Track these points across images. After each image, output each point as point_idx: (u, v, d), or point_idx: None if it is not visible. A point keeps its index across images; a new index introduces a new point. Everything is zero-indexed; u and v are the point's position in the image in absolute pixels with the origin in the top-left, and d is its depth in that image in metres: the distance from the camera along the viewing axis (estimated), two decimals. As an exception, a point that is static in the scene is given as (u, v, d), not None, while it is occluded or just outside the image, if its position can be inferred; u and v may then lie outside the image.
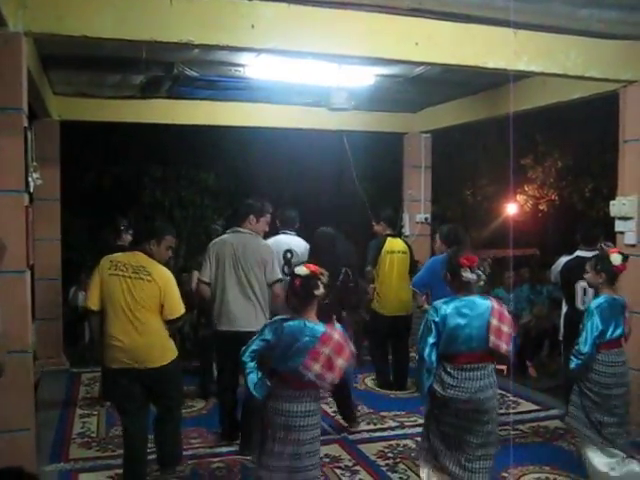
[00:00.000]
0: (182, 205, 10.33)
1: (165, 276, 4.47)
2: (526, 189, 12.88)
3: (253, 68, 6.44)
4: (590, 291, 5.81)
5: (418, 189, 9.24)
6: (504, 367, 8.58)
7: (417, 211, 9.20)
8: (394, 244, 7.11)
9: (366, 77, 6.79)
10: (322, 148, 9.69)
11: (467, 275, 3.86)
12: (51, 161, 7.66)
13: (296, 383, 3.60)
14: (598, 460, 4.54)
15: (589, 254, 5.91)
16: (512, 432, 5.73)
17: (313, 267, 3.68)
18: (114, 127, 8.29)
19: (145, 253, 4.48)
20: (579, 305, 5.88)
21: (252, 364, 3.67)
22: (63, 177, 7.97)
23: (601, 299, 4.68)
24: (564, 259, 6.10)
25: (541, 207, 13.02)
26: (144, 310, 4.37)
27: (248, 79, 6.88)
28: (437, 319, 3.84)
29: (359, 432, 5.87)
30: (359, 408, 6.41)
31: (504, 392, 6.89)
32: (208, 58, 6.18)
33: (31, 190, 4.40)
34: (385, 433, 5.87)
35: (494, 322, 3.83)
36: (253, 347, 3.69)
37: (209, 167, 10.61)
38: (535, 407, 6.54)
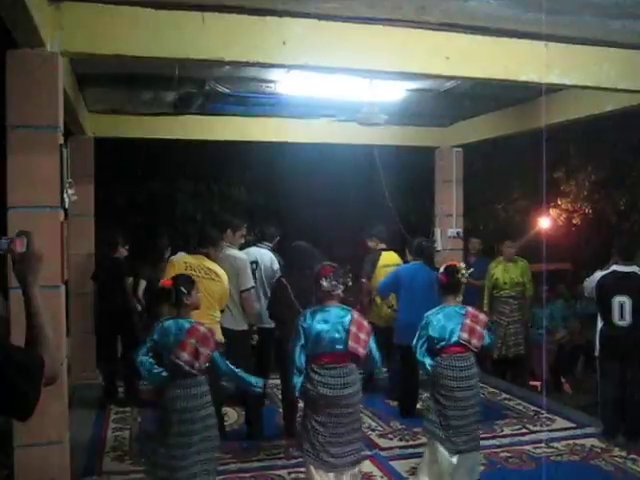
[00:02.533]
0: (213, 219, 10.40)
1: (225, 275, 5.49)
2: (559, 203, 12.74)
3: (284, 84, 6.49)
4: (628, 306, 5.74)
5: (450, 203, 9.19)
6: (537, 384, 8.53)
7: (449, 225, 9.15)
8: (388, 258, 7.29)
9: (397, 91, 6.81)
10: (353, 163, 9.71)
11: (324, 284, 4.31)
12: (85, 177, 7.77)
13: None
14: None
15: (626, 269, 5.86)
16: (546, 450, 5.66)
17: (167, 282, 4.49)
18: (147, 144, 8.40)
19: (207, 256, 5.48)
20: (616, 320, 5.79)
21: (145, 358, 4.29)
22: (97, 193, 8.10)
23: (437, 309, 4.80)
24: (599, 274, 6.02)
25: (574, 221, 12.86)
26: (215, 304, 5.36)
27: (279, 95, 6.93)
28: (305, 325, 4.32)
29: (391, 448, 5.83)
30: (391, 424, 6.38)
31: (538, 408, 6.81)
32: (239, 74, 6.26)
33: (66, 206, 4.47)
34: (417, 450, 5.81)
35: (353, 330, 4.30)
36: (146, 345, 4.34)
37: (240, 182, 10.70)
38: (570, 424, 6.41)
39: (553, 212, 12.79)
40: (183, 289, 4.37)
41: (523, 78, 5.17)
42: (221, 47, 4.53)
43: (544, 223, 12.24)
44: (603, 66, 5.34)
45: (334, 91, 6.62)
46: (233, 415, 6.68)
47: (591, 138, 10.89)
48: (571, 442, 5.90)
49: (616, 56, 5.35)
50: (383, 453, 5.70)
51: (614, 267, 5.92)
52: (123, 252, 7.18)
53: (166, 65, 5.61)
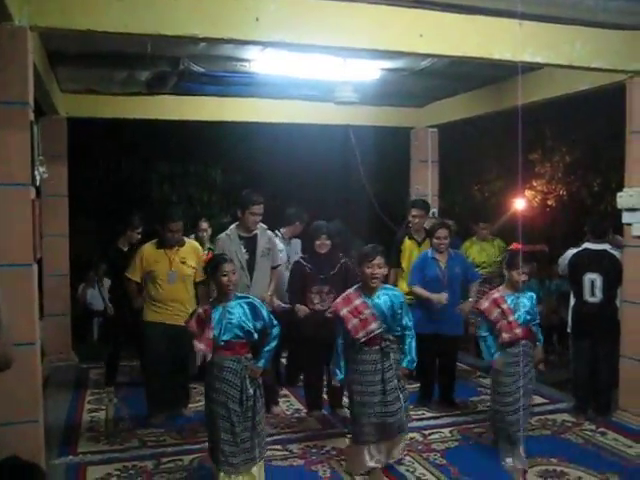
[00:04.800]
0: (190, 202, 10.36)
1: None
2: (534, 184, 12.81)
3: (259, 63, 6.45)
4: (599, 283, 5.81)
5: (425, 184, 9.23)
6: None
7: (424, 206, 9.15)
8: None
9: (372, 71, 6.78)
10: (329, 143, 9.68)
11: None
12: (59, 158, 7.72)
13: None
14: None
15: (597, 246, 5.93)
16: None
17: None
18: (122, 124, 8.32)
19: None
20: (587, 297, 5.87)
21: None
22: (71, 174, 8.02)
23: None
24: (571, 251, 6.09)
25: (549, 202, 12.94)
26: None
27: (254, 74, 6.88)
28: None
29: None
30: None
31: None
32: (214, 53, 6.21)
33: (37, 183, 4.41)
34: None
35: None
36: None
37: (216, 163, 10.64)
38: (543, 400, 6.50)
39: (528, 193, 12.86)
40: (208, 269, 4.63)
41: (496, 56, 5.16)
42: (194, 23, 4.47)
43: (519, 204, 12.33)
44: (575, 45, 5.36)
45: (309, 70, 6.57)
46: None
47: (567, 120, 10.91)
48: (543, 417, 6.00)
49: (588, 35, 5.37)
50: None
51: (586, 245, 5.99)
52: (134, 236, 6.94)
53: (139, 43, 5.56)
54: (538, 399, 6.50)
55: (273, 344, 4.49)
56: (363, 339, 4.62)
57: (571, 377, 6.29)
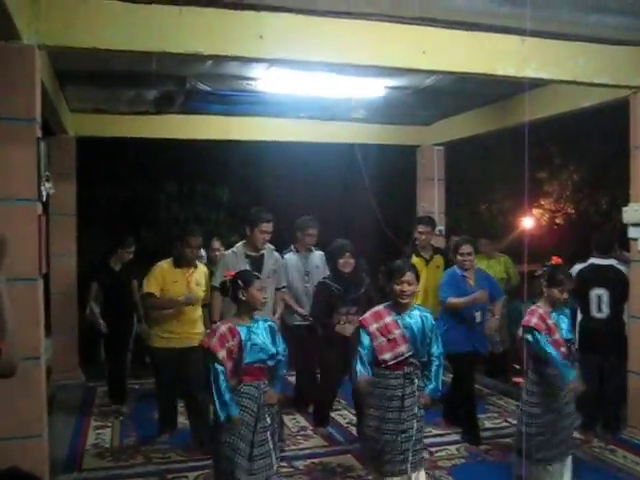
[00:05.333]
0: (198, 221, 10.40)
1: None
2: (542, 202, 12.80)
3: (264, 81, 6.51)
4: (605, 298, 5.78)
5: (431, 202, 9.26)
6: (521, 380, 8.53)
7: (431, 223, 9.17)
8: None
9: (376, 89, 6.84)
10: (335, 162, 9.72)
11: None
12: (67, 177, 7.80)
13: None
14: None
15: (604, 262, 5.91)
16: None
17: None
18: (130, 143, 8.38)
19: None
20: (594, 313, 5.84)
21: None
22: (80, 193, 8.09)
23: None
24: (578, 267, 6.05)
25: (558, 220, 12.92)
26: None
27: (260, 93, 6.96)
28: None
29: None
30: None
31: (519, 403, 6.81)
32: (219, 72, 6.27)
33: (44, 199, 4.46)
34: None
35: None
36: None
37: (223, 182, 10.69)
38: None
39: (536, 212, 12.84)
40: (240, 282, 4.14)
41: (500, 72, 5.21)
42: (199, 41, 4.55)
43: (527, 223, 12.31)
44: (579, 61, 5.41)
45: (314, 89, 6.65)
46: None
47: (574, 138, 10.93)
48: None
49: (591, 51, 5.42)
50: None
51: (592, 260, 5.97)
52: (126, 256, 7.02)
53: (145, 61, 5.64)
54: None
55: (284, 369, 4.32)
56: (390, 362, 4.26)
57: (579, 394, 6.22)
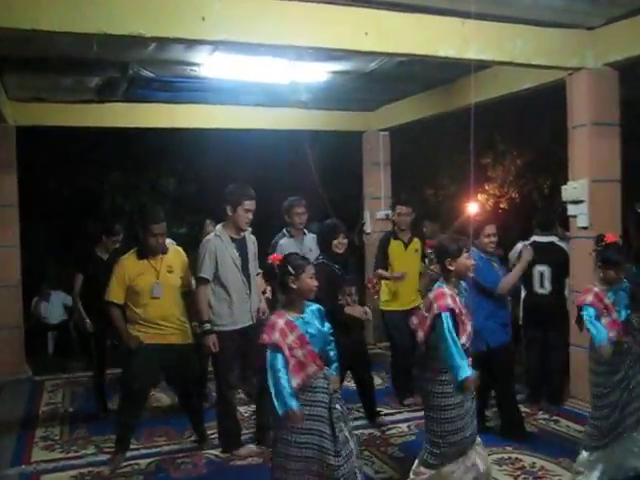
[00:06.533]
0: (144, 212, 10.27)
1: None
2: (487, 188, 13.02)
3: (208, 67, 6.48)
4: (547, 274, 5.95)
5: (378, 187, 9.36)
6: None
7: (378, 208, 9.32)
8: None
9: (320, 74, 6.85)
10: (282, 149, 9.74)
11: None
12: (7, 167, 7.64)
13: None
14: None
15: (545, 239, 6.07)
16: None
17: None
18: (73, 132, 8.23)
19: None
20: (537, 289, 6.00)
21: None
22: (22, 185, 7.92)
23: None
24: (520, 245, 6.20)
25: (502, 205, 13.17)
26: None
27: (204, 79, 6.92)
28: None
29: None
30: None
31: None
32: (162, 57, 6.20)
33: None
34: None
35: None
36: None
37: (169, 172, 10.60)
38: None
39: (481, 197, 13.06)
40: (291, 269, 3.79)
41: (441, 53, 5.27)
42: (140, 23, 4.48)
43: (472, 208, 12.51)
44: (517, 42, 5.51)
45: (257, 74, 6.64)
46: (166, 400, 6.72)
47: (516, 123, 11.15)
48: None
49: (529, 33, 5.54)
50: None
51: (534, 238, 6.12)
52: (110, 244, 6.38)
53: (85, 46, 5.50)
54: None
55: (335, 349, 3.98)
56: (467, 345, 3.98)
57: (524, 368, 6.41)
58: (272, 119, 8.55)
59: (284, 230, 6.46)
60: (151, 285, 5.01)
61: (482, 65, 6.14)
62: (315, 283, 3.81)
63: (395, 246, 6.48)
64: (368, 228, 9.26)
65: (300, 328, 3.69)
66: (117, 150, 9.86)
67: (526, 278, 6.06)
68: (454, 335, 3.88)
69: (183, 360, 5.14)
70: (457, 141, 10.64)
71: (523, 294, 6.23)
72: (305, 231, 6.44)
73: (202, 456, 5.21)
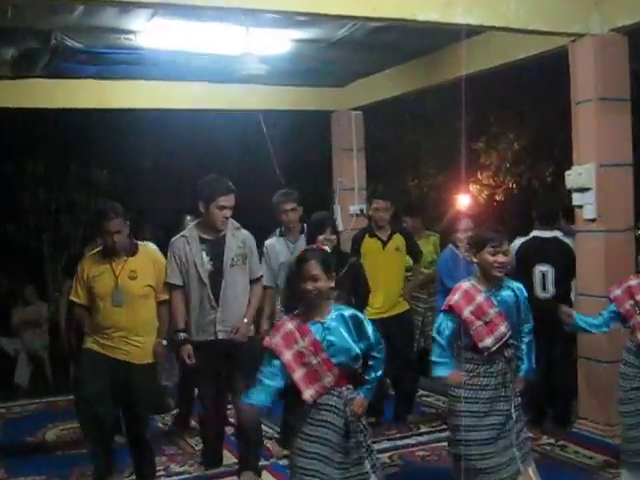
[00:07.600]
0: (71, 209, 10.22)
1: None
2: (479, 177, 13.14)
3: (146, 35, 6.47)
4: (550, 275, 6.03)
5: (350, 176, 9.42)
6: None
7: (350, 202, 9.39)
8: None
9: (280, 43, 6.87)
10: (236, 133, 9.77)
11: None
12: None
13: None
14: None
15: (547, 234, 6.15)
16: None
17: None
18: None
19: None
20: (538, 293, 6.05)
21: None
22: None
23: None
24: (519, 241, 6.28)
25: (498, 197, 13.30)
26: None
27: (142, 50, 6.90)
28: None
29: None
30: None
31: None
32: (92, 23, 6.16)
33: None
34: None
35: None
36: None
37: (100, 161, 10.54)
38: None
39: (473, 188, 13.17)
40: None
41: (421, 17, 5.27)
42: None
43: (463, 201, 12.60)
44: (511, 4, 5.58)
45: (206, 43, 6.63)
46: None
47: (513, 100, 11.27)
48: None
49: (525, -7, 5.63)
50: (282, 462, 5.79)
51: (534, 233, 6.20)
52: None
53: (-1, 11, 5.51)
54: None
55: (380, 371, 3.95)
56: (493, 348, 4.21)
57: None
58: (223, 98, 8.53)
59: (277, 230, 6.35)
60: (110, 289, 5.15)
61: (470, 31, 6.21)
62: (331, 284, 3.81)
63: (370, 244, 6.53)
64: (339, 226, 9.28)
65: (315, 333, 3.70)
66: (36, 135, 9.76)
67: (525, 280, 6.11)
68: (444, 335, 4.26)
69: (134, 380, 5.18)
70: (443, 122, 10.76)
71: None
72: (304, 228, 6.25)
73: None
